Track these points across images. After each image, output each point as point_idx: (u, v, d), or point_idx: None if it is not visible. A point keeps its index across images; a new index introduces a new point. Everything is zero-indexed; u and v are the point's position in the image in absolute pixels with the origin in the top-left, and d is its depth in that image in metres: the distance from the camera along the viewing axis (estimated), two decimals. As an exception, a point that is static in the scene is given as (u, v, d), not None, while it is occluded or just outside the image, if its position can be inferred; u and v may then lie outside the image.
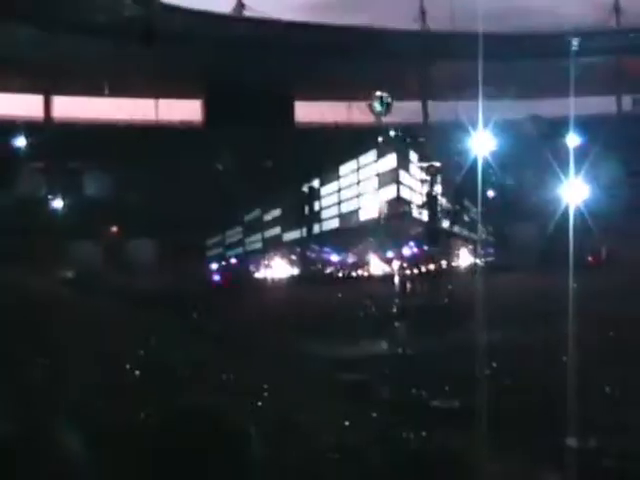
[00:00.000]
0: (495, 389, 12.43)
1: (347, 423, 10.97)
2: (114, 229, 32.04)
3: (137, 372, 16.26)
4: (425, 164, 33.19)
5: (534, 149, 30.90)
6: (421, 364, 17.38)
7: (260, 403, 12.99)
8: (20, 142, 32.54)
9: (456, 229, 33.51)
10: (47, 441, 2.42)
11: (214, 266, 32.71)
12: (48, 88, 36.85)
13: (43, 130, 34.11)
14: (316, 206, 33.65)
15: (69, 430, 2.30)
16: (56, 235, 27.68)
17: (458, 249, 33.36)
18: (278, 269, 31.84)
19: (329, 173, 33.81)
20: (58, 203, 31.50)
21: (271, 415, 11.63)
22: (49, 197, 31.46)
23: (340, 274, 31.88)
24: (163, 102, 38.50)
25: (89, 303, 21.14)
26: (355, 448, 10.71)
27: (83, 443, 2.33)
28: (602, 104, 41.01)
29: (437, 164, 32.97)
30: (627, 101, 44.09)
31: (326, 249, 33.01)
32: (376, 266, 32.18)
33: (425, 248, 32.18)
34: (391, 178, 33.16)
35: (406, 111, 38.08)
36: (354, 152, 33.38)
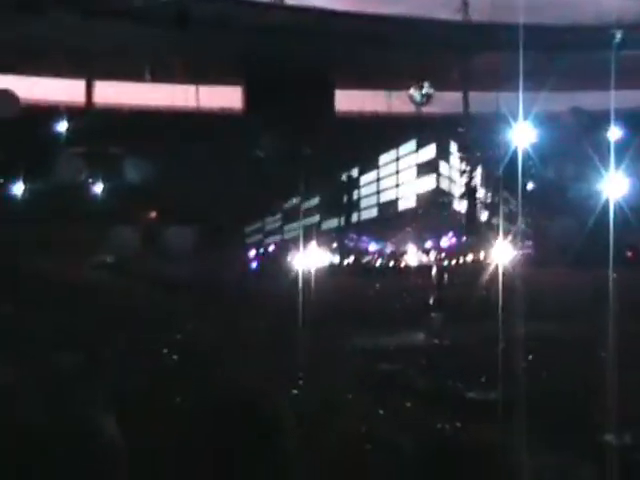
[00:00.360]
0: (532, 382, 12.42)
1: (381, 412, 11.00)
2: (153, 214, 32.20)
3: (175, 357, 16.34)
4: (465, 155, 33.13)
5: (575, 142, 30.69)
6: (457, 355, 17.38)
7: (296, 392, 13.05)
8: (61, 127, 32.76)
9: (495, 221, 33.37)
10: (89, 429, 2.44)
11: (252, 253, 32.82)
12: (89, 74, 37.08)
13: (84, 116, 34.33)
14: (355, 195, 33.69)
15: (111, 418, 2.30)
16: (95, 220, 27.87)
17: (497, 241, 33.22)
18: (316, 257, 31.83)
19: (368, 162, 33.83)
20: (98, 188, 31.72)
21: (306, 404, 11.67)
22: (89, 182, 31.68)
23: (377, 264, 31.88)
24: (203, 89, 38.62)
25: (127, 288, 21.32)
26: (388, 439, 10.76)
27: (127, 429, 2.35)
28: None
29: (477, 155, 32.90)
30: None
31: (364, 238, 33.02)
32: (414, 256, 32.17)
33: (463, 239, 32.13)
34: (430, 168, 33.15)
35: (446, 101, 38.00)
36: (394, 142, 33.38)
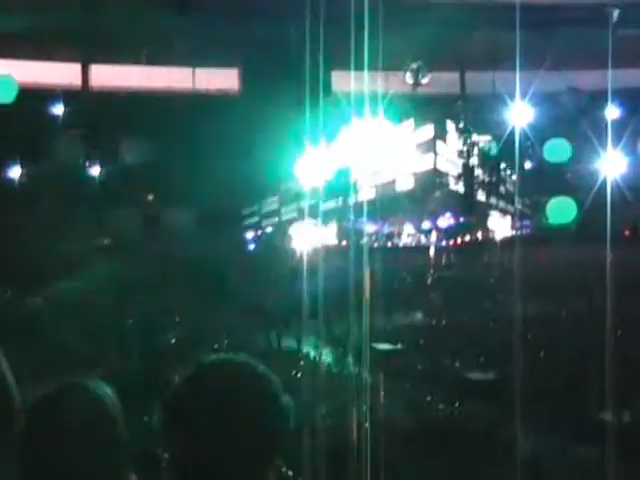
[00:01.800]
0: (531, 361, 12.51)
1: (382, 394, 11.10)
2: (151, 197, 32.25)
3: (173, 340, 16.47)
4: (462, 135, 33.16)
5: (572, 122, 30.77)
6: (456, 335, 17.51)
7: (297, 374, 13.16)
8: (59, 110, 32.76)
9: (492, 201, 33.48)
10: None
11: (250, 235, 32.93)
12: (85, 56, 37.03)
13: (81, 98, 34.34)
14: (353, 176, 33.68)
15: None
16: (94, 203, 27.93)
17: (494, 221, 33.34)
18: (314, 239, 31.91)
19: (367, 142, 33.78)
20: (96, 171, 31.73)
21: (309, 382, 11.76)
22: (87, 165, 31.70)
23: (376, 244, 31.95)
24: (200, 71, 38.58)
25: (128, 271, 21.38)
26: (386, 418, 10.85)
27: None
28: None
29: (474, 135, 32.95)
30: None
31: (361, 219, 33.05)
32: (411, 237, 32.27)
33: (461, 220, 32.22)
34: (428, 148, 33.19)
35: (444, 82, 37.95)
36: (390, 122, 33.34)
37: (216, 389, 2.18)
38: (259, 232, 33.47)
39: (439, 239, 31.08)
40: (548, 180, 32.00)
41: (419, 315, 21.43)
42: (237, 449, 2.11)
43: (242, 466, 2.13)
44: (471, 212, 32.56)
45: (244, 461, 2.13)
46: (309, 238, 31.52)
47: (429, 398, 13.50)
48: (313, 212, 34.20)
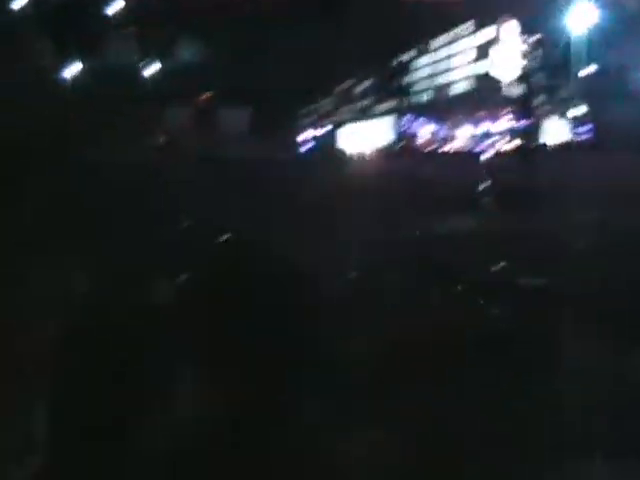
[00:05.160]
0: (581, 269, 12.44)
1: (435, 302, 11.16)
2: (207, 95, 32.14)
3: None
4: (521, 38, 32.50)
5: (636, 25, 29.98)
6: (507, 242, 17.37)
7: (348, 276, 13.21)
8: (113, 8, 32.58)
9: (551, 105, 32.92)
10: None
11: (305, 135, 32.77)
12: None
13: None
14: (408, 78, 33.34)
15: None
16: (149, 101, 27.92)
17: (551, 126, 32.83)
18: (369, 140, 31.78)
19: (423, 45, 33.37)
20: (152, 68, 31.65)
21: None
22: (143, 63, 31.61)
23: (430, 148, 31.72)
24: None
25: (178, 169, 21.44)
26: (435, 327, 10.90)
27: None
28: None
29: (534, 38, 32.27)
30: None
31: (417, 121, 32.81)
32: (466, 141, 31.95)
33: (516, 124, 31.77)
34: (485, 52, 32.63)
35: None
36: (449, 24, 32.80)
37: None
38: (316, 132, 33.33)
39: (493, 143, 30.72)
40: (611, 85, 31.37)
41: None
42: None
43: None
44: (529, 116, 32.07)
45: None
46: (364, 140, 31.37)
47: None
48: (370, 112, 34.05)
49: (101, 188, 17.79)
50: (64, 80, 29.78)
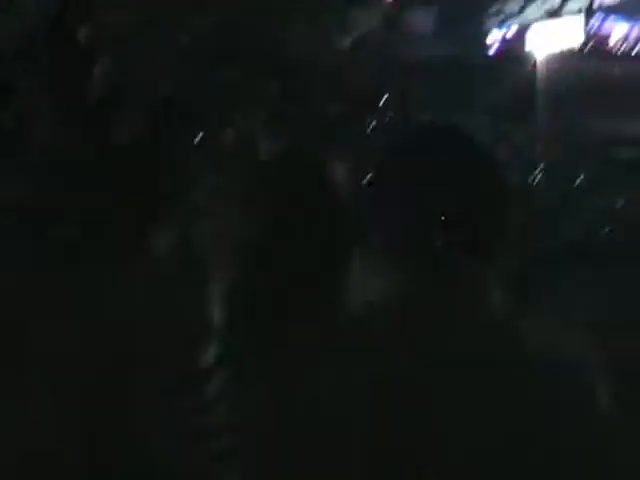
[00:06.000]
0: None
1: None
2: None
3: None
4: None
5: None
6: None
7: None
8: None
9: None
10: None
11: (493, 35, 32.15)
12: None
13: None
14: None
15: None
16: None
17: None
18: (557, 40, 30.79)
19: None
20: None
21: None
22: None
23: (623, 48, 30.51)
24: None
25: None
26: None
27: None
28: None
29: None
30: None
31: (610, 20, 31.57)
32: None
33: None
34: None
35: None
36: None
37: None
38: (504, 30, 32.56)
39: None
40: None
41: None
42: None
43: None
44: None
45: None
46: (552, 39, 30.42)
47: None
48: (558, 11, 32.96)
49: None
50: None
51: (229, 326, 2.55)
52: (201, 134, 6.24)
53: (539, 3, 32.73)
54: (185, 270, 3.00)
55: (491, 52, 30.37)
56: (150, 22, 15.58)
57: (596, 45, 28.56)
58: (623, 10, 30.73)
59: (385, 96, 18.39)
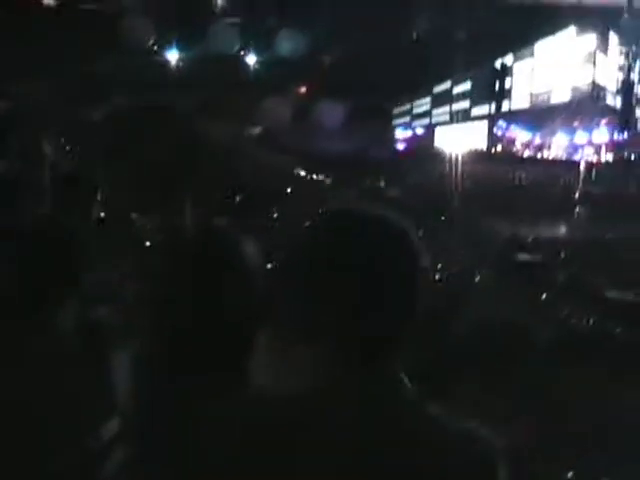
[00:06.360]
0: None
1: (520, 302, 11.11)
2: (304, 88, 32.28)
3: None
4: (625, 48, 32.05)
5: None
6: (599, 251, 17.19)
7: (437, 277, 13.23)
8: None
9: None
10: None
11: (400, 134, 32.72)
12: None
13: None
14: (507, 83, 33.07)
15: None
16: (246, 91, 28.14)
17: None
18: (465, 143, 31.55)
19: (523, 50, 33.07)
20: (250, 59, 31.88)
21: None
22: (241, 53, 31.86)
23: (525, 154, 31.41)
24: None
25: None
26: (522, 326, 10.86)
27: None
28: None
29: (638, 49, 31.79)
30: None
31: (513, 127, 32.52)
32: (563, 149, 31.57)
33: (617, 135, 31.31)
34: (588, 60, 32.21)
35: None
36: (551, 30, 32.43)
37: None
38: (410, 132, 33.24)
39: (591, 153, 30.32)
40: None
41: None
42: None
43: None
44: (628, 128, 31.61)
45: None
46: (459, 142, 31.16)
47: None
48: (464, 116, 33.82)
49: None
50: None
51: (130, 404, 2.52)
52: (104, 213, 6.17)
53: (444, 107, 33.56)
54: (87, 348, 2.96)
55: (399, 148, 30.93)
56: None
57: (502, 149, 29.26)
58: (526, 119, 31.67)
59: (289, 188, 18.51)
